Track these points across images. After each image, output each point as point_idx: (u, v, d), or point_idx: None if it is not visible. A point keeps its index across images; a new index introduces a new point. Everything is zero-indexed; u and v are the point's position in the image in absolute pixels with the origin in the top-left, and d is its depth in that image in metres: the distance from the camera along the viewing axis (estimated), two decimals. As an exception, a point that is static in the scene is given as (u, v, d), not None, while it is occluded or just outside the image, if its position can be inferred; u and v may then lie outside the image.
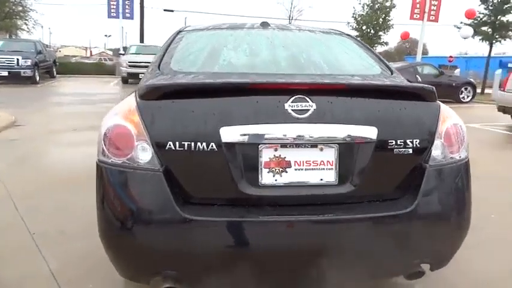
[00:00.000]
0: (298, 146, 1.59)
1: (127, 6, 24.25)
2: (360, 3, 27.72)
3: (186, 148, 1.52)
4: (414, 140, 1.64)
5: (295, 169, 1.60)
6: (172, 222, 1.52)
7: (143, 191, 1.56)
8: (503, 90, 8.15)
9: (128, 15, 24.55)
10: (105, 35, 70.98)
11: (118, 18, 23.96)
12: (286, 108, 1.56)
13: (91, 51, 73.96)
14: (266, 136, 1.54)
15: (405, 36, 19.20)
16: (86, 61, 29.98)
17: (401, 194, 1.67)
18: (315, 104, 1.57)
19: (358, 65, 2.23)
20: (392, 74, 2.12)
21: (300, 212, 1.57)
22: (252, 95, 1.57)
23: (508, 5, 17.07)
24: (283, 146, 1.58)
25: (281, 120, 1.55)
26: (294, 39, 2.43)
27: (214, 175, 1.56)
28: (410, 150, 1.64)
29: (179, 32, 2.51)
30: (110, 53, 59.84)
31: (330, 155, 1.60)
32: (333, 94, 1.62)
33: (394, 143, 1.62)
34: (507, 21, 17.40)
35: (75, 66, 23.29)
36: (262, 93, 1.58)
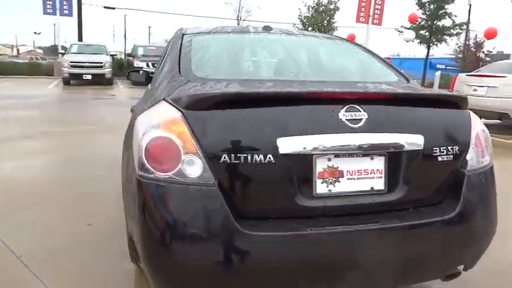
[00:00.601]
0: (350, 155, 1.56)
1: (65, 2, 22.82)
2: (305, 5, 28.52)
3: (241, 160, 1.43)
4: (454, 147, 1.68)
5: (348, 178, 1.57)
6: (231, 239, 1.42)
7: (197, 207, 1.44)
8: (451, 91, 8.75)
9: (66, 11, 23.08)
10: (35, 32, 65.97)
11: (55, 14, 22.44)
12: (340, 117, 1.52)
13: (18, 50, 68.52)
14: (321, 146, 1.50)
15: (351, 39, 19.85)
16: (16, 60, 27.73)
17: (443, 199, 1.70)
18: (367, 113, 1.56)
19: (377, 72, 2.26)
20: (408, 81, 2.18)
21: (354, 221, 1.55)
22: (306, 104, 1.52)
23: (443, 11, 18.42)
24: (337, 155, 1.54)
25: (336, 129, 1.51)
26: (305, 45, 2.41)
27: (270, 187, 1.48)
28: (452, 157, 1.68)
29: (183, 34, 2.39)
30: (40, 51, 56.10)
31: (380, 163, 1.60)
32: (382, 103, 1.62)
33: (438, 150, 1.65)
34: (442, 25, 18.79)
35: (6, 66, 21.42)
36: (316, 103, 1.53)
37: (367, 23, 17.89)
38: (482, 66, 19.51)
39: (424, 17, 19.01)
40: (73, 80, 15.37)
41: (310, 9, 28.45)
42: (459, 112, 1.77)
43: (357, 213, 1.58)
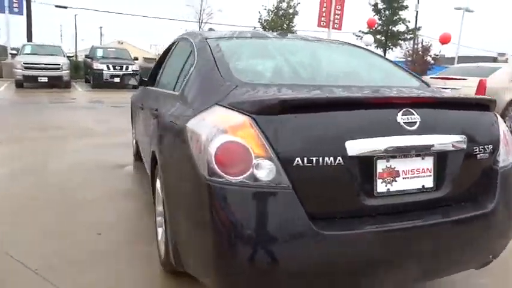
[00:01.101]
0: (405, 156, 1.65)
1: (14, 0, 21.64)
2: (265, 9, 28.90)
3: (313, 163, 1.47)
4: (489, 145, 1.82)
5: (403, 178, 1.65)
6: (308, 239, 1.45)
7: (272, 210, 1.46)
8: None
9: (15, 9, 21.90)
10: (-27, 31, 61.83)
11: (3, 12, 21.21)
12: (398, 121, 1.61)
13: (-45, 49, 63.74)
14: (383, 148, 1.57)
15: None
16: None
17: (480, 194, 1.84)
18: (419, 116, 1.65)
19: (402, 77, 2.38)
20: (429, 86, 2.33)
21: (409, 217, 1.63)
22: (369, 108, 1.60)
23: (397, 17, 19.41)
24: (393, 156, 1.62)
25: (395, 132, 1.59)
26: (329, 50, 2.50)
27: (338, 188, 1.53)
28: (488, 155, 1.81)
29: (206, 39, 2.39)
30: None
31: (429, 162, 1.69)
32: (431, 107, 1.72)
33: (477, 149, 1.77)
34: (397, 30, 19.80)
35: None
36: (377, 107, 1.61)
37: (328, 28, 18.42)
38: (429, 68, 20.83)
39: (380, 22, 19.92)
40: (27, 83, 14.54)
41: (270, 13, 28.89)
42: (489, 114, 1.91)
43: (411, 210, 1.67)
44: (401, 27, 22.14)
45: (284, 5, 28.55)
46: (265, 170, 1.45)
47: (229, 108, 1.60)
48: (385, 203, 1.61)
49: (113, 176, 4.27)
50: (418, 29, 22.66)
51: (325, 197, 1.53)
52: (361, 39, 21.55)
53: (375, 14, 21.02)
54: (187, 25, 36.25)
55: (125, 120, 5.75)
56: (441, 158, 1.70)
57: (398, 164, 1.63)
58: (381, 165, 1.59)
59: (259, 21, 29.21)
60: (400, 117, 1.61)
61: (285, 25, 28.71)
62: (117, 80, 14.88)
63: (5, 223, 2.93)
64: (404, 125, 1.61)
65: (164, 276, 2.23)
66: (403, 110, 1.62)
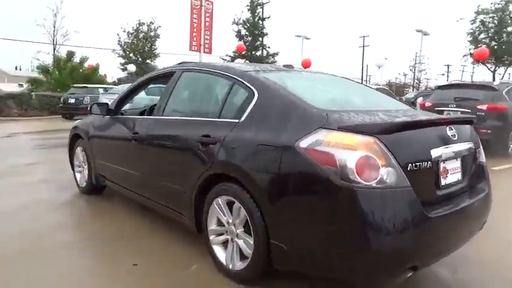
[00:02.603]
0: (451, 159, 2.34)
1: None
2: (124, 31, 28.14)
3: (418, 167, 2.04)
4: (478, 148, 2.65)
5: (450, 174, 2.33)
6: (425, 222, 1.99)
7: (400, 205, 1.95)
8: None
9: None
10: None
11: None
12: (448, 135, 2.30)
13: None
14: (444, 154, 2.24)
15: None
16: None
17: (479, 182, 2.64)
18: (455, 130, 2.38)
19: (397, 102, 3.12)
20: (415, 107, 3.14)
21: (457, 201, 2.32)
22: (435, 126, 2.25)
23: (258, 43, 21.42)
24: (445, 160, 2.29)
25: (449, 142, 2.29)
26: (343, 82, 3.15)
27: (429, 183, 2.13)
28: (478, 155, 2.64)
29: (246, 71, 2.75)
30: None
31: (459, 162, 2.42)
32: (456, 123, 2.47)
33: (475, 151, 2.59)
34: (260, 55, 21.82)
35: None
36: (438, 125, 2.28)
37: (199, 52, 19.15)
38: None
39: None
40: None
41: (130, 35, 28.28)
42: (472, 127, 2.76)
43: (455, 196, 2.36)
44: (263, 52, 24.57)
45: (144, 27, 28.38)
46: (390, 175, 1.95)
47: (343, 130, 2.03)
48: (445, 192, 2.27)
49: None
50: (277, 54, 25.55)
51: (424, 191, 2.09)
52: (227, 62, 23.05)
53: (238, 39, 22.83)
54: (40, 47, 32.52)
55: None
56: (464, 159, 2.45)
57: (447, 165, 2.31)
58: (442, 166, 2.25)
59: (118, 44, 28.33)
60: (449, 132, 2.31)
61: (146, 48, 28.49)
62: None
63: None
64: (451, 137, 2.31)
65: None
66: (449, 126, 2.32)
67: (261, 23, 24.82)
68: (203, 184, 2.66)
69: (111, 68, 64.44)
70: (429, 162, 2.12)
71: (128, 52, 28.43)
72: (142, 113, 4.22)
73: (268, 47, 25.15)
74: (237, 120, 2.54)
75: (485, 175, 2.67)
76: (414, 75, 41.54)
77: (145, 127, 3.35)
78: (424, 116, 2.63)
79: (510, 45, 19.03)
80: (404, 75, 52.34)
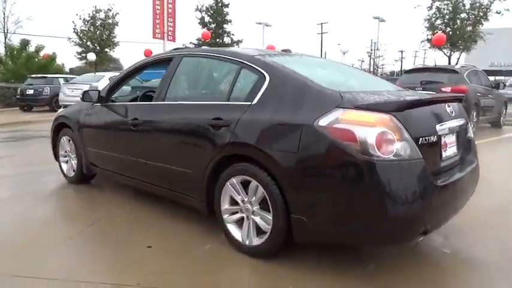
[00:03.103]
0: (449, 133, 2.56)
1: None
2: (80, 18, 26.87)
3: (427, 141, 2.24)
4: (467, 124, 2.91)
5: (449, 147, 2.55)
6: (434, 191, 2.20)
7: (414, 174, 2.14)
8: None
9: None
10: None
11: None
12: (448, 111, 2.52)
13: None
14: (446, 129, 2.46)
15: (148, 54, 20.31)
16: None
17: (469, 155, 2.89)
18: (451, 107, 2.60)
19: (390, 84, 3.31)
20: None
21: (455, 171, 2.56)
22: (437, 104, 2.46)
23: (222, 30, 21.25)
24: (444, 135, 2.51)
25: (448, 118, 2.51)
26: (338, 65, 3.28)
27: (435, 156, 2.34)
28: (468, 130, 2.90)
29: (256, 56, 2.85)
30: None
31: (454, 137, 2.65)
32: (451, 101, 2.69)
33: (465, 126, 2.84)
34: (224, 43, 21.72)
35: None
36: (440, 103, 2.49)
37: (163, 39, 18.82)
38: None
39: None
40: None
41: (86, 22, 27.09)
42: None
43: (453, 167, 2.59)
44: (227, 40, 24.41)
45: (102, 14, 27.25)
46: (405, 149, 2.13)
47: (360, 108, 2.19)
48: (445, 164, 2.49)
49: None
50: (240, 41, 25.45)
51: (431, 163, 2.29)
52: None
53: (202, 27, 22.54)
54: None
55: None
56: (458, 134, 2.69)
57: (447, 139, 2.53)
58: (443, 140, 2.47)
59: (74, 31, 27.03)
60: (447, 109, 2.53)
61: (104, 36, 27.43)
62: None
63: None
64: (450, 113, 2.53)
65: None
66: (447, 104, 2.54)
67: (224, 9, 24.63)
68: (216, 165, 2.74)
69: (68, 57, 61.61)
70: (435, 137, 2.33)
71: (84, 40, 27.25)
72: (134, 100, 4.20)
73: (233, 34, 25.15)
74: (249, 103, 2.63)
75: (473, 148, 2.94)
76: (372, 61, 42.77)
77: (146, 113, 3.35)
78: (424, 95, 2.84)
79: (463, 31, 20.15)
80: (362, 61, 53.83)
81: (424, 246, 2.81)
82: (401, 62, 56.35)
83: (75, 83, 14.64)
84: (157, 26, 18.65)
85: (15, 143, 8.12)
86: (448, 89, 8.30)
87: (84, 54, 27.05)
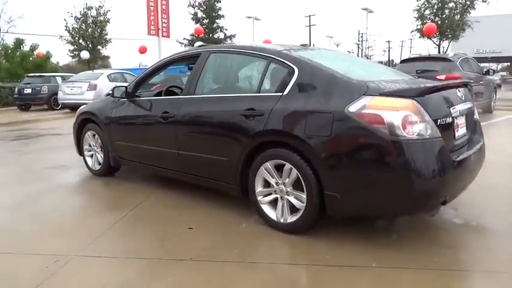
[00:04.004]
0: (460, 115, 2.87)
1: None
2: (71, 16, 26.77)
3: (444, 121, 2.56)
4: (474, 108, 3.23)
5: (460, 128, 2.87)
6: (452, 165, 2.52)
7: (436, 151, 2.44)
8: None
9: None
10: None
11: None
12: (459, 96, 2.84)
13: None
14: (458, 111, 2.78)
15: (143, 50, 20.47)
16: None
17: (476, 135, 3.22)
18: (461, 92, 2.92)
19: (401, 73, 3.62)
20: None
21: (466, 149, 2.88)
22: (451, 89, 2.78)
23: (215, 25, 21.45)
24: (456, 116, 2.82)
25: (459, 102, 2.82)
26: (349, 56, 3.57)
27: (450, 135, 2.66)
28: (474, 113, 3.23)
29: (290, 50, 3.14)
30: None
31: (464, 118, 2.97)
32: (460, 87, 3.01)
33: (473, 109, 3.16)
34: (218, 37, 21.94)
35: None
36: (453, 88, 2.81)
37: (158, 35, 18.93)
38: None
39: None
40: None
41: (78, 20, 26.98)
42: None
43: (464, 145, 2.92)
44: (220, 35, 24.61)
45: (93, 12, 27.16)
46: (427, 129, 2.44)
47: (385, 95, 2.49)
48: (458, 142, 2.82)
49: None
50: (233, 36, 25.66)
51: (447, 141, 2.61)
52: (185, 46, 22.91)
53: (195, 23, 22.67)
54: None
55: None
56: (466, 116, 3.01)
57: (458, 120, 2.85)
58: (455, 121, 2.78)
59: (66, 29, 26.94)
60: (458, 94, 2.85)
61: (96, 33, 27.37)
62: None
63: None
64: (460, 98, 2.85)
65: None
66: (458, 88, 2.86)
67: (217, 4, 24.77)
68: (250, 152, 3.03)
69: (60, 55, 61.00)
70: (450, 118, 2.65)
71: (76, 38, 27.17)
72: (158, 95, 4.45)
73: (226, 29, 25.34)
74: (280, 94, 2.92)
75: (479, 129, 3.27)
76: (361, 51, 43.20)
77: (177, 106, 3.60)
78: (437, 82, 3.16)
79: (451, 20, 20.64)
80: (352, 52, 54.33)
81: (438, 217, 3.14)
82: (389, 52, 57.08)
83: (74, 81, 14.71)
84: (152, 23, 18.75)
85: (29, 140, 8.28)
86: (443, 76, 8.64)
87: (76, 52, 27.01)
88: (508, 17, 36.92)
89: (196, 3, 25.06)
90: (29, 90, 15.94)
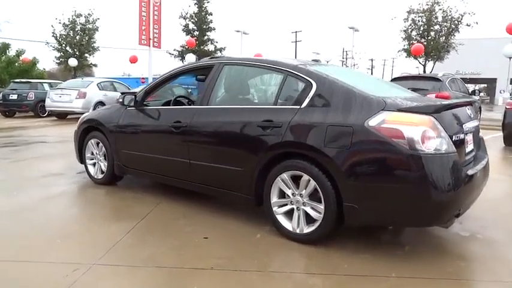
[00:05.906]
0: (469, 132, 3.01)
1: None
2: (59, 23, 26.57)
3: (457, 138, 2.69)
4: (479, 125, 3.38)
5: (468, 144, 3.00)
6: (466, 178, 2.64)
7: (451, 166, 2.55)
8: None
9: None
10: None
11: None
12: (468, 113, 2.98)
13: None
14: (468, 128, 2.91)
15: (134, 60, 20.38)
16: None
17: (480, 151, 3.36)
18: (470, 110, 3.06)
19: (408, 91, 3.76)
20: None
21: (473, 163, 3.01)
22: (462, 106, 2.91)
23: (206, 37, 21.64)
24: (467, 132, 2.96)
25: (469, 119, 2.97)
26: (356, 72, 3.69)
27: (462, 150, 2.78)
28: (479, 130, 3.38)
29: (306, 65, 3.24)
30: None
31: (471, 135, 3.10)
32: (468, 105, 3.15)
33: (479, 127, 3.31)
34: (208, 49, 22.12)
35: None
36: (463, 106, 2.94)
37: (149, 46, 18.88)
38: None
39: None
40: None
41: (66, 27, 26.78)
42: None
43: (472, 161, 3.04)
44: (210, 47, 24.79)
45: (82, 19, 27.00)
46: (443, 144, 2.55)
47: (403, 111, 2.60)
48: (468, 157, 2.95)
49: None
50: (223, 48, 25.91)
51: (460, 156, 2.73)
52: (175, 57, 22.99)
53: (186, 34, 22.81)
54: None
55: None
56: (473, 133, 3.15)
57: (467, 137, 2.98)
58: (466, 137, 2.91)
59: (53, 36, 26.68)
60: (468, 111, 2.99)
61: (84, 41, 27.19)
62: None
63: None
64: (470, 116, 2.99)
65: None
66: (468, 107, 3.00)
67: (208, 17, 25.03)
68: (267, 163, 3.09)
69: (46, 62, 60.05)
70: (463, 134, 2.78)
71: (64, 45, 26.92)
72: (166, 104, 4.46)
73: (216, 42, 25.58)
74: (298, 106, 3.00)
75: (484, 145, 3.42)
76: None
77: (190, 116, 3.62)
78: (449, 100, 3.32)
79: (437, 42, 21.39)
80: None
81: (445, 230, 3.25)
82: (372, 70, 58.45)
83: (63, 88, 14.53)
84: (143, 33, 18.70)
85: (20, 147, 8.12)
86: (433, 95, 8.92)
87: (62, 59, 26.74)
88: (486, 40, 38.46)
89: (188, 15, 25.26)
90: (14, 96, 15.60)
